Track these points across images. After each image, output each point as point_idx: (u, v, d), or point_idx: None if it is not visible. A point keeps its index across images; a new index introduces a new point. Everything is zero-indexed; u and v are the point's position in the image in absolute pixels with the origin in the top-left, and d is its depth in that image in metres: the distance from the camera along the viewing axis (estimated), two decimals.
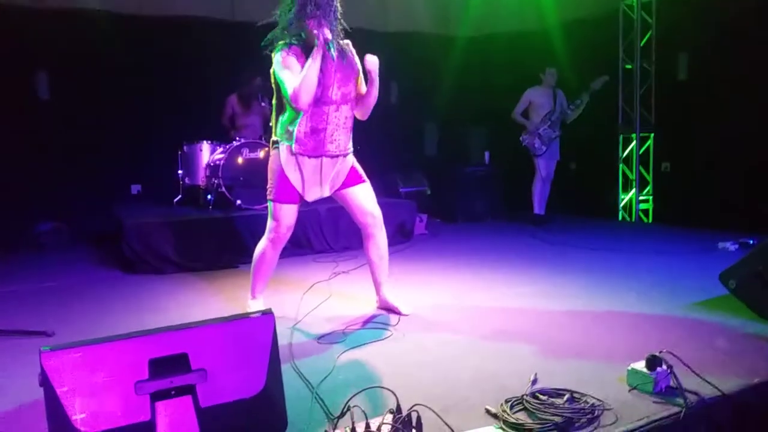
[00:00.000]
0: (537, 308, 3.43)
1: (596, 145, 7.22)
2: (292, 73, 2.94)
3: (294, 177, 3.11)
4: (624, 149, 7.08)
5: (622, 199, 7.08)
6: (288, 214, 3.16)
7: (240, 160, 5.47)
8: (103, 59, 6.17)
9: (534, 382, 2.34)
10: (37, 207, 5.90)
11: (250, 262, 5.01)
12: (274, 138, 3.18)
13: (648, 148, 6.95)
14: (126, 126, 6.36)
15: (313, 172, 3.13)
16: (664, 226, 6.50)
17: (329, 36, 2.93)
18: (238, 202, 5.33)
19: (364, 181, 3.28)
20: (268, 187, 3.18)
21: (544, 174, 6.46)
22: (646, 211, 6.98)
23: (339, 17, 3.02)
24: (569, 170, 7.32)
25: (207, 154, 5.84)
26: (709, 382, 2.22)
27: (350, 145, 3.22)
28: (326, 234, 5.41)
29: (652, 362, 2.24)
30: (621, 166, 7.08)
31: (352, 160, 3.27)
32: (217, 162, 5.47)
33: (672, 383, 2.22)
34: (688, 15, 6.38)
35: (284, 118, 3.13)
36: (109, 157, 6.30)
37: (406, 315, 3.35)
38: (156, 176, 6.43)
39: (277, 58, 3.00)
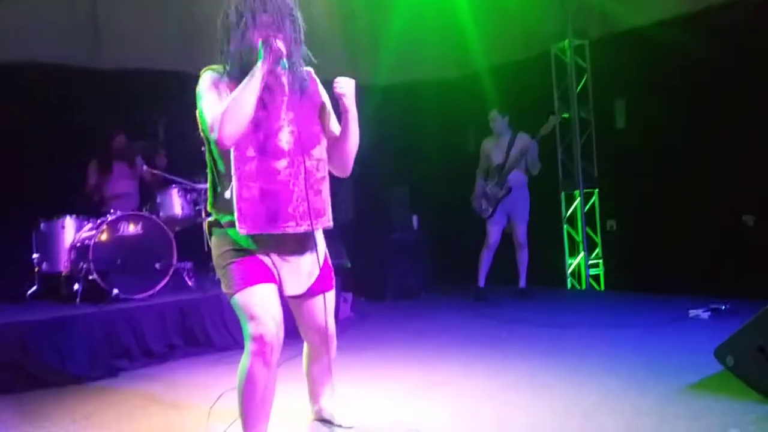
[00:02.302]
0: (508, 405, 3.28)
1: (536, 204, 7.37)
2: (216, 100, 2.43)
3: (262, 256, 2.53)
4: (567, 208, 7.28)
5: (570, 264, 7.23)
6: (269, 298, 2.46)
7: (116, 237, 5.10)
8: None
9: None
10: None
11: (133, 367, 4.67)
12: (211, 219, 2.62)
13: (593, 206, 7.20)
14: None
15: (279, 255, 2.55)
16: (620, 293, 6.65)
17: (282, 48, 2.41)
18: (115, 291, 4.91)
19: (332, 287, 2.78)
20: (223, 282, 2.54)
21: (490, 240, 6.47)
22: (596, 277, 7.15)
23: (301, 35, 2.53)
24: (505, 234, 7.41)
25: (72, 231, 5.40)
26: None
27: (327, 217, 2.64)
28: (230, 325, 5.05)
29: None
30: (565, 226, 7.27)
31: (325, 248, 2.78)
32: (86, 241, 5.06)
33: None
34: (622, 58, 6.78)
35: (220, 188, 2.56)
36: None
37: (350, 428, 3.09)
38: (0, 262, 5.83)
39: (200, 83, 2.50)
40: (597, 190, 7.19)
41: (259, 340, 2.41)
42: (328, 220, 2.66)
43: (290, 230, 2.50)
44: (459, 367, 4.11)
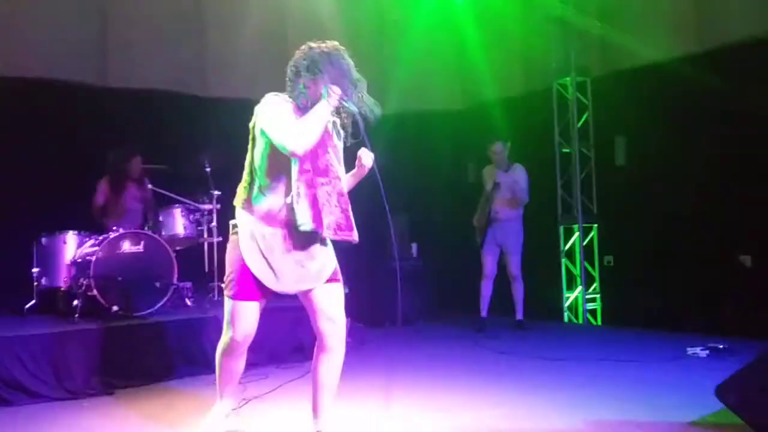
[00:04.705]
0: None
1: (534, 237, 7.35)
2: (291, 119, 2.87)
3: (257, 267, 2.91)
4: (566, 242, 7.30)
5: (567, 298, 7.22)
6: (250, 315, 2.99)
7: (117, 255, 5.07)
8: None
9: None
10: None
11: (130, 385, 4.63)
12: (240, 217, 2.99)
13: (592, 240, 7.22)
14: None
15: (288, 251, 2.94)
16: (616, 329, 6.63)
17: (345, 98, 2.91)
18: (115, 308, 4.87)
19: (338, 280, 3.08)
20: (226, 279, 3.00)
21: (486, 271, 6.49)
22: (593, 312, 7.14)
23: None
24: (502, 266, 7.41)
25: (73, 247, 5.38)
26: None
27: (354, 232, 3.02)
28: None
29: None
30: (564, 260, 7.28)
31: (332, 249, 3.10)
32: (88, 257, 5.04)
33: None
34: (623, 95, 6.83)
35: (255, 190, 2.97)
36: None
37: None
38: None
39: (267, 101, 2.92)
40: (596, 226, 7.22)
41: (233, 340, 3.02)
42: (354, 235, 3.02)
43: (328, 236, 2.93)
44: (455, 397, 4.09)
